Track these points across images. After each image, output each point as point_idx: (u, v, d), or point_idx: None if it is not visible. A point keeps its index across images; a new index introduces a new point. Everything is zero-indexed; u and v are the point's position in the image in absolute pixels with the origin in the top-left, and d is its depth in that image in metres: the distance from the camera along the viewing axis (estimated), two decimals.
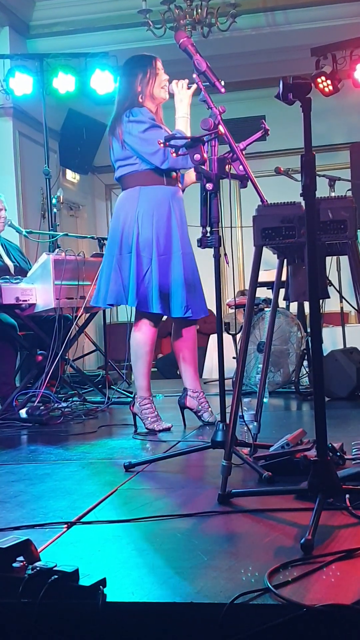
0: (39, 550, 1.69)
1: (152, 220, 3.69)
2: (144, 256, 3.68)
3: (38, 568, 1.56)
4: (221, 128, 2.78)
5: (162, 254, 3.69)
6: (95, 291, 3.95)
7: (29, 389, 4.70)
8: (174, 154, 2.90)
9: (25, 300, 4.53)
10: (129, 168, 3.77)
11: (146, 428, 3.77)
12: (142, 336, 3.80)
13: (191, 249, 3.76)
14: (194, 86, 3.44)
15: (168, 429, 3.76)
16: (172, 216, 3.72)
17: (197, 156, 2.72)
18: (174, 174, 3.78)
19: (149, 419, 3.78)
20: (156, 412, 3.81)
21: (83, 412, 4.65)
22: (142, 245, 3.68)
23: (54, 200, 6.24)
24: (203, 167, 2.71)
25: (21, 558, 1.62)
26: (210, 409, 3.89)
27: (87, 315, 5.37)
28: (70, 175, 9.12)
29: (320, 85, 7.01)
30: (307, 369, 5.32)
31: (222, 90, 2.95)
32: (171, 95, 3.71)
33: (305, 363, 5.28)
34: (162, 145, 2.96)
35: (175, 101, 3.68)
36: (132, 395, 5.27)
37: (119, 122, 3.73)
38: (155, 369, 8.64)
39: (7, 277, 4.61)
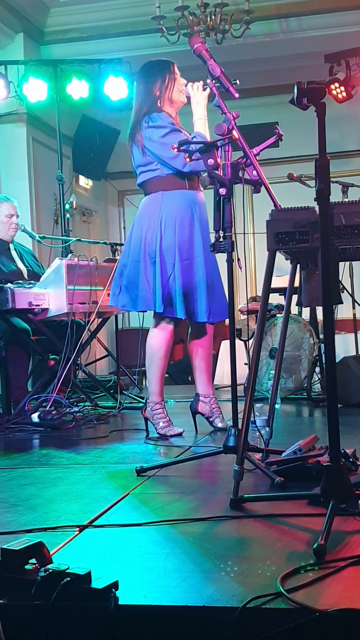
0: (51, 553, 1.70)
1: (174, 226, 3.69)
2: (167, 262, 3.69)
3: (50, 570, 1.57)
4: (235, 133, 2.79)
5: (185, 259, 3.69)
6: (124, 295, 3.88)
7: (41, 393, 4.71)
8: (188, 159, 2.90)
9: (38, 305, 4.54)
10: (150, 174, 3.77)
11: (157, 433, 3.77)
12: (159, 340, 3.80)
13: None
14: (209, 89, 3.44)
15: (179, 434, 3.75)
16: (194, 220, 3.72)
17: (210, 161, 2.72)
18: (195, 177, 3.79)
19: (161, 424, 3.77)
20: (167, 417, 3.81)
21: (95, 416, 4.65)
22: (165, 250, 3.69)
23: (67, 206, 6.26)
24: (217, 172, 2.71)
25: (34, 560, 1.63)
26: (221, 414, 3.88)
27: (99, 320, 5.38)
28: (83, 181, 9.15)
29: (334, 92, 7.01)
30: (319, 376, 5.31)
31: (236, 95, 2.96)
32: (187, 99, 3.71)
33: (317, 369, 5.27)
34: (176, 150, 2.97)
35: (192, 104, 3.68)
36: (143, 401, 5.29)
37: (138, 128, 3.74)
38: (167, 375, 8.63)
39: (21, 281, 4.62)
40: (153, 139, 3.66)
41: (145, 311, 3.86)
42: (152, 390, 3.85)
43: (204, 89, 3.60)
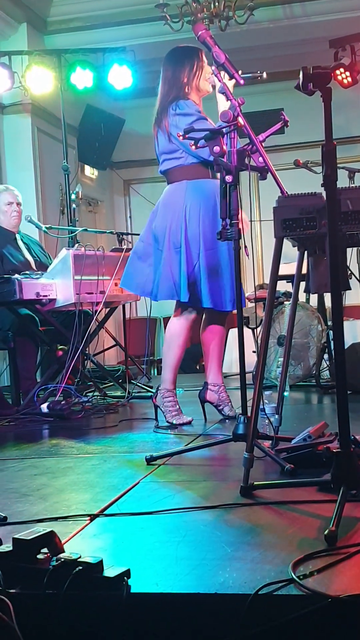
0: (63, 542, 1.70)
1: (199, 215, 3.68)
2: (193, 251, 3.68)
3: (62, 559, 1.57)
4: (240, 120, 2.77)
5: (209, 248, 3.67)
6: (141, 283, 3.89)
7: (49, 383, 4.72)
8: (193, 147, 2.89)
9: (46, 296, 4.54)
10: (175, 162, 3.76)
11: (167, 421, 3.77)
12: (179, 328, 3.80)
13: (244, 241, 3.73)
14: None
15: (189, 423, 3.75)
16: (218, 210, 3.71)
17: (216, 148, 2.71)
18: None
19: (170, 412, 3.78)
20: (177, 406, 3.81)
21: (104, 406, 4.66)
22: (190, 240, 3.68)
23: (72, 196, 6.25)
24: (222, 159, 2.70)
25: (45, 550, 1.63)
26: (230, 403, 3.88)
27: (107, 310, 5.38)
28: (89, 171, 9.13)
29: (339, 77, 6.97)
30: (328, 363, 5.30)
31: (241, 81, 2.94)
32: (213, 87, 3.67)
33: (325, 356, 5.26)
34: (181, 138, 2.95)
35: (217, 92, 3.64)
36: (153, 390, 5.29)
37: (165, 114, 3.72)
38: None
39: (28, 272, 4.62)
40: (179, 126, 3.62)
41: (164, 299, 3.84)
42: (165, 377, 3.84)
43: (230, 78, 3.55)
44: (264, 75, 3.03)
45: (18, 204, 5.27)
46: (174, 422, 3.74)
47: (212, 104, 3.62)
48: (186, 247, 3.67)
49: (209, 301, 3.67)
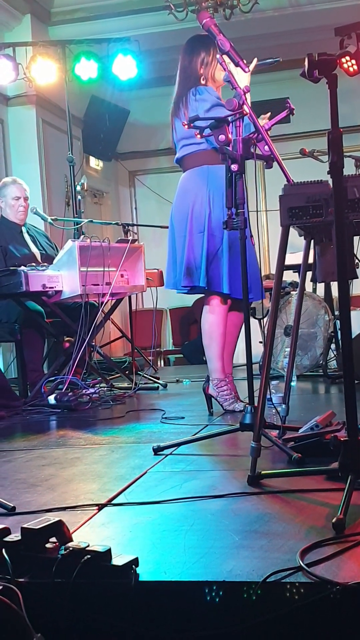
0: (71, 531, 1.70)
1: (222, 200, 3.66)
2: (216, 235, 3.67)
3: (71, 548, 1.58)
4: (246, 108, 2.76)
5: (233, 233, 3.65)
6: (166, 275, 3.90)
7: (56, 375, 4.73)
8: (199, 135, 2.88)
9: (52, 287, 4.55)
10: (195, 147, 3.75)
11: (224, 409, 3.76)
12: (215, 317, 3.79)
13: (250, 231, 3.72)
14: (252, 64, 3.38)
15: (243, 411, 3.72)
16: None
17: (222, 137, 2.70)
18: None
19: (227, 400, 3.77)
20: (232, 394, 3.79)
21: (111, 397, 4.67)
22: (214, 224, 3.66)
23: (77, 188, 6.24)
24: (228, 147, 2.69)
25: (54, 539, 1.64)
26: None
27: (113, 301, 5.38)
28: (94, 162, 9.12)
29: (345, 65, 6.92)
30: (335, 352, 5.29)
31: (246, 70, 2.93)
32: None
33: (332, 346, 5.25)
34: (186, 127, 2.94)
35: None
36: (160, 381, 5.29)
37: (185, 100, 3.72)
38: (181, 355, 8.65)
39: (34, 264, 4.62)
40: (199, 112, 3.61)
41: (188, 288, 3.81)
42: (213, 368, 3.83)
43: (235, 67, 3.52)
44: (280, 59, 3.02)
45: (25, 198, 5.27)
46: (233, 409, 3.73)
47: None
48: (209, 230, 3.66)
49: (227, 287, 3.66)
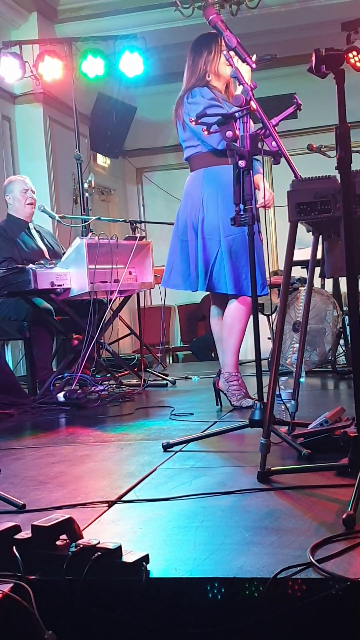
0: (81, 528, 1.71)
1: (217, 202, 3.67)
2: (213, 239, 3.68)
3: (81, 545, 1.58)
4: (253, 104, 2.75)
5: (229, 234, 3.65)
6: (179, 275, 3.88)
7: (65, 372, 4.73)
8: (206, 132, 2.88)
9: (60, 285, 4.55)
10: (192, 150, 3.78)
11: (232, 405, 3.77)
12: (240, 312, 3.78)
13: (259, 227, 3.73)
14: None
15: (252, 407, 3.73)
16: None
17: (229, 133, 2.70)
18: None
19: (236, 395, 3.77)
20: (242, 390, 3.79)
21: (120, 394, 4.67)
22: (207, 229, 3.68)
23: (85, 185, 6.24)
24: (235, 144, 2.68)
25: (64, 536, 1.64)
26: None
27: (121, 298, 5.39)
28: (101, 159, 9.12)
29: (352, 60, 6.88)
30: (344, 348, 5.28)
31: (253, 65, 2.92)
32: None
33: (341, 342, 5.24)
34: (193, 123, 2.94)
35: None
36: (169, 378, 5.30)
37: (181, 103, 3.74)
38: (190, 352, 8.64)
39: (42, 262, 4.64)
40: (191, 115, 3.61)
41: (195, 290, 3.83)
42: (228, 362, 3.82)
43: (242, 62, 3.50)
44: (277, 55, 3.01)
45: (32, 191, 5.30)
46: (240, 404, 3.73)
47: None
48: (202, 235, 3.67)
49: (232, 287, 3.66)
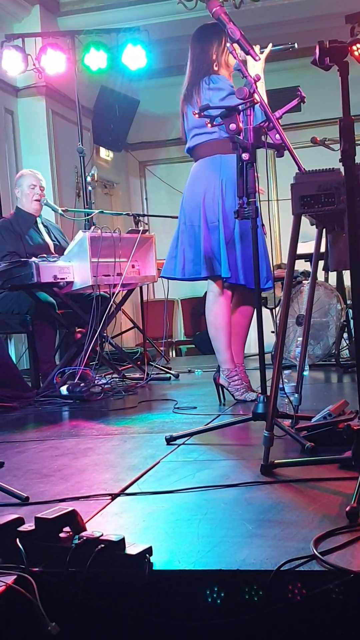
0: (85, 521, 1.71)
1: (235, 190, 3.65)
2: (230, 225, 3.65)
3: (85, 538, 1.58)
4: (256, 96, 2.74)
5: (245, 223, 3.63)
6: (178, 263, 3.84)
7: (68, 366, 4.73)
8: (209, 124, 2.87)
9: (63, 278, 4.55)
10: (207, 136, 3.73)
11: (236, 399, 3.77)
12: (220, 308, 3.79)
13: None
14: (267, 50, 3.35)
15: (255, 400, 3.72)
16: None
17: (232, 126, 2.69)
18: None
19: (239, 389, 3.77)
20: (244, 384, 3.79)
21: (123, 388, 4.67)
22: (227, 213, 3.65)
23: (88, 179, 6.24)
24: (239, 136, 2.68)
25: (68, 529, 1.64)
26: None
27: (124, 292, 5.39)
28: (104, 153, 9.11)
29: (356, 53, 6.85)
30: (347, 341, 5.27)
31: (257, 58, 2.91)
32: (243, 62, 3.62)
33: (345, 335, 5.24)
34: (197, 115, 2.93)
35: (247, 68, 3.58)
36: (172, 371, 5.30)
37: (197, 89, 3.70)
38: (193, 345, 8.65)
39: (45, 255, 4.63)
40: (213, 100, 3.58)
41: (207, 277, 3.79)
42: (223, 359, 3.82)
43: (261, 52, 3.46)
44: (295, 45, 3.00)
45: (41, 187, 5.29)
46: (244, 399, 3.73)
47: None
48: (224, 221, 3.64)
49: (242, 277, 3.65)
